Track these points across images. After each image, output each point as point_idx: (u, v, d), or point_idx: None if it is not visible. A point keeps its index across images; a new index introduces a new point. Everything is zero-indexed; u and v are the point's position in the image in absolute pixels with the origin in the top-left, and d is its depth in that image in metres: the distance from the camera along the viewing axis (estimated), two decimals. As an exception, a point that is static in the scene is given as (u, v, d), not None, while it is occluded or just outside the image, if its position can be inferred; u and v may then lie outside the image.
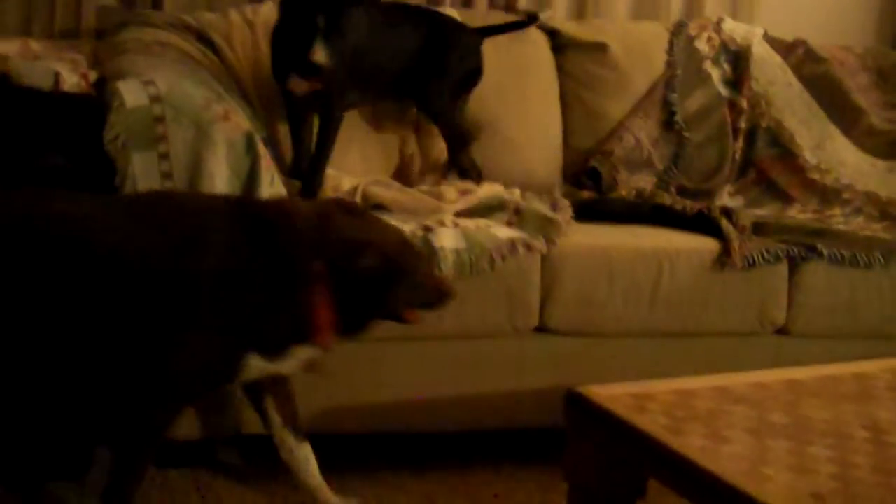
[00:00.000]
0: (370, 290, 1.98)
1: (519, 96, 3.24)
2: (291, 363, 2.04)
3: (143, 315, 1.88)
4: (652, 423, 1.80)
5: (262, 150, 2.34)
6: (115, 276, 1.87)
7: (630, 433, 1.79)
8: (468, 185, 2.84)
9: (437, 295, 2.11)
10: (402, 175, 3.04)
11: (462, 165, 2.99)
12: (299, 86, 2.60)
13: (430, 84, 2.91)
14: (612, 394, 1.92)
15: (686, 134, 3.33)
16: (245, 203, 2.08)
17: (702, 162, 3.35)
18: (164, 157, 2.24)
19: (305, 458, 2.21)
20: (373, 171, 2.91)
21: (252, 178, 2.29)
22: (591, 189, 3.14)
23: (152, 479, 2.34)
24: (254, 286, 1.91)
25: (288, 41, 2.58)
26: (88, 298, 1.88)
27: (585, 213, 2.79)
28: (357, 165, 2.93)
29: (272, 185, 2.32)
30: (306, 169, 2.70)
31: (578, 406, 1.93)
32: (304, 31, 2.52)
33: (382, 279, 1.98)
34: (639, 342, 2.62)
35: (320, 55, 2.51)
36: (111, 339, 1.90)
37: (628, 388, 1.97)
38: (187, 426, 2.30)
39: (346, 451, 2.53)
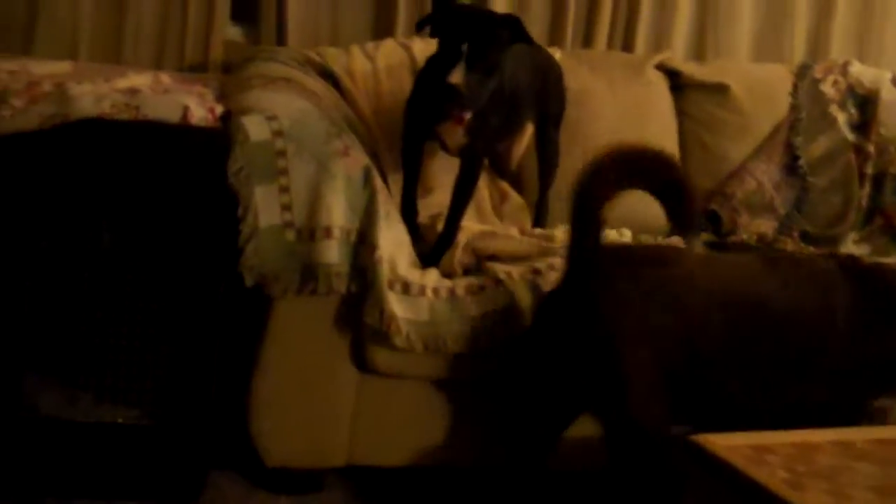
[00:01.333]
0: None
1: (637, 136, 3.18)
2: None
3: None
4: (771, 476, 1.76)
5: (380, 184, 2.37)
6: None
7: (748, 486, 1.75)
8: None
9: None
10: (488, 217, 2.99)
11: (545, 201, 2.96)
12: (454, 135, 2.55)
13: (547, 118, 2.92)
14: (730, 444, 1.88)
15: (810, 178, 3.28)
16: (842, 259, 2.36)
17: (826, 208, 3.29)
18: (284, 189, 2.29)
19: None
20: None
21: (369, 212, 2.32)
22: (710, 232, 3.10)
23: None
24: (867, 335, 2.18)
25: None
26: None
27: (705, 256, 2.74)
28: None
29: (388, 219, 2.35)
30: (446, 218, 2.59)
31: (696, 455, 1.89)
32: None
33: None
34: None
35: None
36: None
37: (748, 439, 1.92)
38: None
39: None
